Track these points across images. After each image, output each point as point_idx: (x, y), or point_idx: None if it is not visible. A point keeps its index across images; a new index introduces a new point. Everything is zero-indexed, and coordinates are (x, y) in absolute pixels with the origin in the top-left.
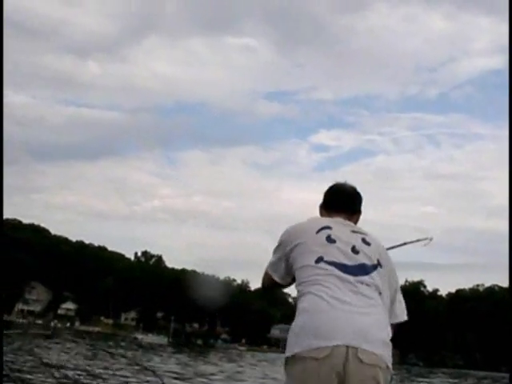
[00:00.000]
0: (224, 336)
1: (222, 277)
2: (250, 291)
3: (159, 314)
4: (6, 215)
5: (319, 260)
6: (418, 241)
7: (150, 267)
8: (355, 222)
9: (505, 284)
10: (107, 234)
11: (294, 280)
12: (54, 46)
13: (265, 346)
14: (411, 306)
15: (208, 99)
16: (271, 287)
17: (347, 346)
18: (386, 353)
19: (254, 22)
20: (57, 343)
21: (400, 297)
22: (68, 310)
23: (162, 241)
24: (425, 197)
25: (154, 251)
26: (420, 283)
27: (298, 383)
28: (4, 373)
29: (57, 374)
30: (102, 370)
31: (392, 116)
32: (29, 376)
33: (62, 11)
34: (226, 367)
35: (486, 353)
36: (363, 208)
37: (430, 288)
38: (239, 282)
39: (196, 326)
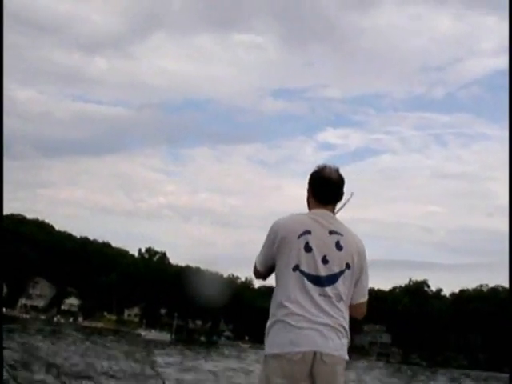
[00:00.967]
0: (227, 333)
1: (225, 274)
2: (253, 288)
3: (162, 311)
4: (12, 210)
5: (295, 268)
6: (346, 202)
7: (153, 264)
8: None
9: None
10: (111, 230)
11: (272, 270)
12: (61, 41)
13: None
14: (415, 306)
15: (215, 96)
16: (261, 276)
17: (315, 352)
18: (343, 351)
19: (262, 19)
20: (59, 338)
21: (363, 278)
22: (71, 305)
23: (166, 237)
24: (430, 196)
25: (158, 248)
26: (424, 283)
27: (275, 376)
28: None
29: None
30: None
31: (399, 115)
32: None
33: (70, 7)
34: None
35: (490, 353)
36: (368, 207)
37: (433, 288)
38: (243, 279)
39: (199, 322)
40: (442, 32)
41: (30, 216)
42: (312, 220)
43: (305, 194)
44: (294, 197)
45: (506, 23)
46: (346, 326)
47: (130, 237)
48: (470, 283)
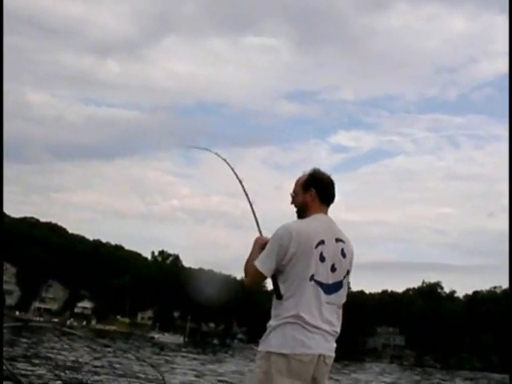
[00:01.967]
0: (240, 336)
1: (238, 277)
2: (267, 291)
3: (176, 314)
4: (25, 214)
5: (311, 278)
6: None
7: (166, 266)
8: None
9: None
10: (124, 233)
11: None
12: (73, 44)
13: None
14: (428, 308)
15: (228, 99)
16: (258, 282)
17: (320, 355)
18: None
19: (274, 21)
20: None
21: (347, 281)
22: (84, 308)
23: (179, 240)
24: (443, 198)
25: (171, 251)
26: (437, 284)
27: (280, 375)
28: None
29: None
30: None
31: (412, 117)
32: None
33: (82, 11)
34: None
35: (504, 355)
36: (381, 209)
37: (447, 289)
38: None
39: (212, 325)
40: (456, 33)
41: (42, 219)
42: (323, 228)
43: None
44: None
45: None
46: (339, 331)
47: (143, 240)
48: (484, 285)
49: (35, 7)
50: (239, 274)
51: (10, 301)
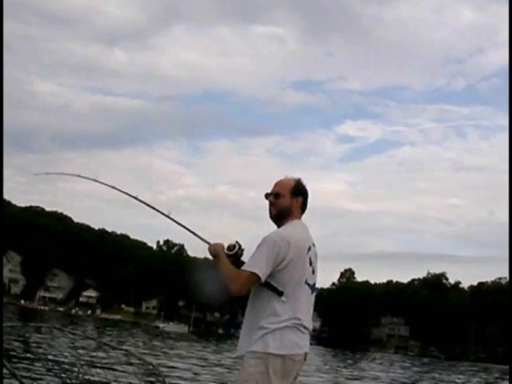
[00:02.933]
0: None
1: None
2: None
3: (180, 303)
4: (32, 203)
5: (305, 281)
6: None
7: (171, 256)
8: None
9: None
10: (130, 223)
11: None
12: (80, 33)
13: None
14: (433, 299)
15: (235, 88)
16: (250, 288)
17: (305, 353)
18: None
19: (282, 10)
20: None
21: None
22: (89, 297)
23: (184, 230)
24: (450, 188)
25: (176, 240)
26: (442, 275)
27: (276, 374)
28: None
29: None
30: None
31: (419, 107)
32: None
33: None
34: None
35: (508, 346)
36: (388, 199)
37: (452, 280)
38: None
39: (217, 315)
40: (464, 23)
41: (48, 208)
42: (307, 235)
43: (327, 187)
44: (314, 189)
45: None
46: None
47: (148, 229)
48: (489, 276)
49: None
50: None
51: (15, 289)
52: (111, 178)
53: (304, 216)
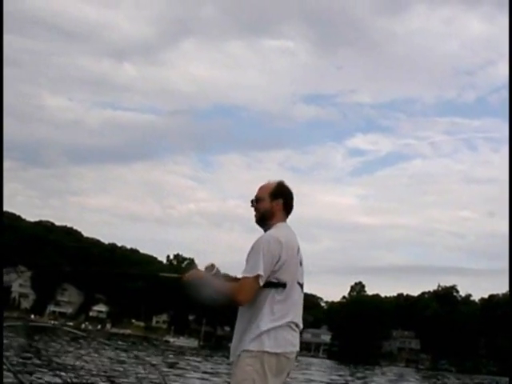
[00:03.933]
0: None
1: None
2: None
3: (191, 317)
4: (42, 217)
5: (298, 282)
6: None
7: (182, 270)
8: None
9: None
10: (140, 237)
11: None
12: (91, 48)
13: None
14: (444, 311)
15: (245, 102)
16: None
17: (297, 351)
18: None
19: (292, 24)
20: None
21: None
22: (99, 312)
23: (195, 244)
24: (461, 201)
25: (187, 255)
26: (453, 288)
27: (270, 372)
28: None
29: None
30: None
31: (429, 120)
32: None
33: (99, 15)
34: None
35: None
36: (399, 212)
37: (462, 293)
38: None
39: (228, 329)
40: (474, 35)
41: (58, 223)
42: (294, 236)
43: (337, 200)
44: (325, 203)
45: None
46: None
47: (159, 244)
48: (500, 288)
49: (52, 11)
50: None
51: (25, 304)
52: (122, 192)
53: (315, 229)
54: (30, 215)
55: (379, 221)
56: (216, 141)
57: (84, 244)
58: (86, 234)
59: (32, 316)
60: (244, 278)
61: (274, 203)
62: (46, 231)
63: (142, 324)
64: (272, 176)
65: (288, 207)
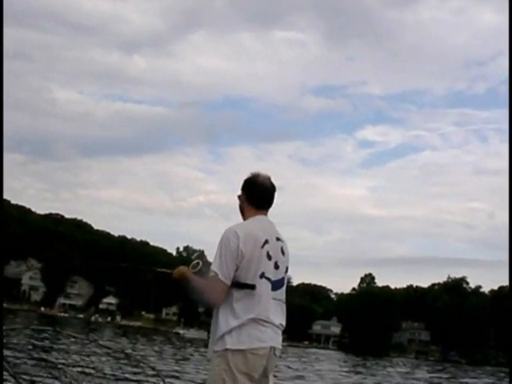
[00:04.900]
0: None
1: None
2: (291, 286)
3: (200, 309)
4: (52, 210)
5: (262, 275)
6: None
7: (191, 262)
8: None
9: None
10: (150, 229)
11: None
12: (101, 41)
13: (306, 342)
14: (453, 303)
15: (255, 94)
16: (224, 294)
17: (271, 347)
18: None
19: (303, 15)
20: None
21: (286, 278)
22: (109, 304)
23: (205, 236)
24: (471, 192)
25: (196, 247)
26: (462, 280)
27: (237, 369)
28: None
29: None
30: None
31: (439, 111)
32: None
33: (109, 7)
34: None
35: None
36: (408, 204)
37: (472, 285)
38: None
39: None
40: (484, 26)
41: (68, 216)
42: (264, 228)
43: (347, 192)
44: (335, 195)
45: None
46: (285, 324)
47: (169, 236)
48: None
49: (62, 4)
50: None
51: (35, 296)
52: (132, 184)
53: (322, 220)
54: (40, 208)
55: (389, 212)
56: (226, 133)
57: (94, 236)
58: (96, 226)
59: (42, 308)
60: (209, 277)
61: (242, 199)
62: (55, 224)
63: (151, 316)
64: (281, 168)
65: (253, 201)
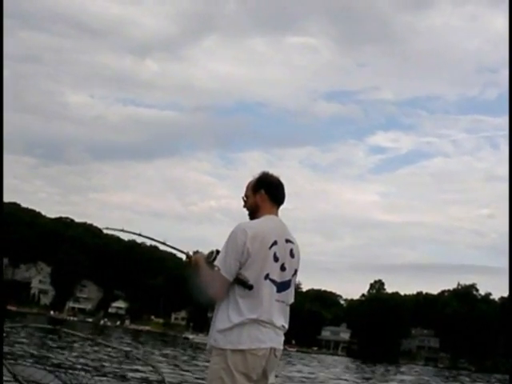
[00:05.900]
0: None
1: None
2: (301, 292)
3: (209, 314)
4: (63, 214)
5: (266, 277)
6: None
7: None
8: None
9: None
10: (161, 234)
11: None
12: (113, 45)
13: (315, 348)
14: (463, 310)
15: (267, 99)
16: (225, 289)
17: (271, 348)
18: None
19: (315, 20)
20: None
21: (294, 280)
22: (119, 308)
23: (216, 240)
24: (483, 199)
25: (207, 251)
26: (472, 286)
27: (236, 369)
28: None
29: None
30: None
31: (451, 118)
32: None
33: (121, 11)
34: None
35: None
36: (420, 210)
37: (482, 291)
38: None
39: None
40: (496, 31)
41: (78, 219)
42: (274, 229)
43: (358, 198)
44: (346, 200)
45: None
46: (287, 326)
47: (179, 240)
48: None
49: (74, 7)
50: None
51: (44, 300)
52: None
53: (336, 226)
54: (51, 212)
55: (400, 218)
56: (237, 137)
57: (104, 240)
58: (105, 230)
59: (51, 312)
60: (214, 271)
61: (257, 196)
62: (65, 227)
63: (161, 320)
64: (292, 174)
65: (272, 196)
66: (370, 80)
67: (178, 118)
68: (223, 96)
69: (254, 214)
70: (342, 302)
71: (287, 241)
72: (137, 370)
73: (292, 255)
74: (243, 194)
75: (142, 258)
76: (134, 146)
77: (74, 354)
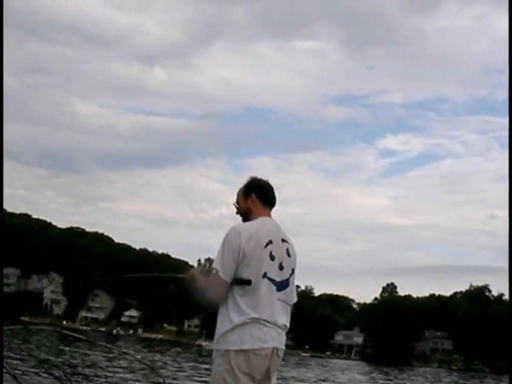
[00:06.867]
0: (287, 342)
1: None
2: (313, 297)
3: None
4: (74, 224)
5: (264, 275)
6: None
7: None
8: None
9: None
10: (171, 242)
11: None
12: (120, 53)
13: (328, 352)
14: (476, 311)
15: (276, 104)
16: (224, 291)
17: (273, 348)
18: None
19: (322, 24)
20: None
21: (293, 279)
22: (131, 317)
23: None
24: (493, 200)
25: None
26: (485, 288)
27: (240, 370)
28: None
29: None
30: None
31: (460, 119)
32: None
33: (129, 20)
34: None
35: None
36: (430, 212)
37: (495, 293)
38: (303, 287)
39: None
40: (504, 32)
41: (89, 229)
42: (269, 229)
43: (369, 201)
44: (356, 204)
45: None
46: (289, 325)
47: (190, 248)
48: None
49: (81, 17)
50: None
51: (57, 310)
52: (153, 197)
53: (347, 230)
54: (62, 222)
55: (411, 221)
56: (246, 144)
57: (115, 250)
58: (117, 239)
59: (64, 322)
60: (212, 274)
61: (248, 201)
62: (76, 237)
63: (173, 328)
64: (302, 179)
65: (263, 199)
66: (379, 83)
67: (187, 126)
68: (231, 102)
69: (247, 218)
70: (355, 306)
71: (283, 240)
72: (135, 370)
73: (288, 254)
74: (234, 201)
75: (154, 266)
76: (143, 155)
77: (74, 354)
